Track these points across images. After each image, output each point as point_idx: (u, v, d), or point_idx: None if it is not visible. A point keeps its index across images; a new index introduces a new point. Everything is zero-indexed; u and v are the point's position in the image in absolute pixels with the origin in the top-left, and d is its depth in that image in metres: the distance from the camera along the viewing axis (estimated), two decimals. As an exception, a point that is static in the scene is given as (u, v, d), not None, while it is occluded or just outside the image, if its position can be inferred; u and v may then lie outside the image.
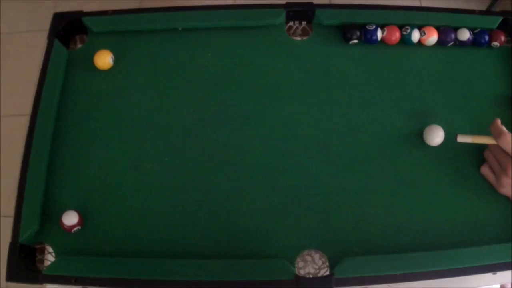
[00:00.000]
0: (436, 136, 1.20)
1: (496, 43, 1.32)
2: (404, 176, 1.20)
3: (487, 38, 1.32)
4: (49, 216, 1.15)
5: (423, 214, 1.16)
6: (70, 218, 1.11)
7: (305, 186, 1.19)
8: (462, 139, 1.18)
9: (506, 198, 1.17)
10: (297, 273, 1.08)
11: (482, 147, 1.21)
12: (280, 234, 1.14)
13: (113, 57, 1.30)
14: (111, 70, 1.31)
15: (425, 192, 1.18)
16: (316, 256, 1.13)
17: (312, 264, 1.12)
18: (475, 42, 1.32)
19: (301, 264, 1.12)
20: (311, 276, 1.10)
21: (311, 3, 1.34)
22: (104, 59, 1.29)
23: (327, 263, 1.11)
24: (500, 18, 1.33)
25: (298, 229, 1.14)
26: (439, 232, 1.14)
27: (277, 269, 1.07)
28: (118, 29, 1.35)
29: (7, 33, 2.28)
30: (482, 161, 1.21)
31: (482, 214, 1.16)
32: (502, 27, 1.34)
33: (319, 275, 1.10)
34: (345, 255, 1.09)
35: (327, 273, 1.09)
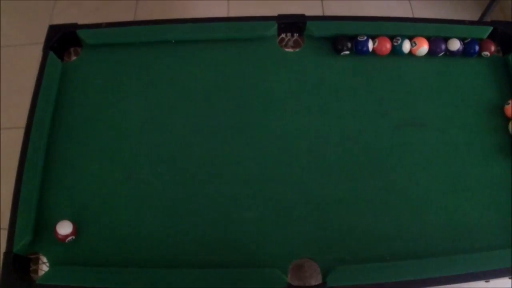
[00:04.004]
0: None
1: (486, 53, 1.34)
2: (394, 185, 1.21)
3: (477, 48, 1.33)
4: (44, 227, 1.15)
5: (414, 222, 1.16)
6: (64, 228, 1.12)
7: (297, 195, 1.19)
8: None
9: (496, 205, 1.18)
10: (290, 282, 1.08)
11: (474, 156, 1.23)
12: (272, 244, 1.14)
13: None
14: (104, 81, 1.33)
15: (416, 200, 1.19)
16: (309, 265, 1.13)
17: (304, 273, 1.12)
18: (466, 52, 1.34)
19: (293, 273, 1.12)
20: (303, 285, 1.11)
21: (302, 15, 1.36)
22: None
23: (320, 272, 1.11)
24: (490, 28, 1.35)
25: (290, 238, 1.15)
26: (431, 240, 1.14)
27: (269, 278, 1.08)
28: (112, 41, 1.37)
29: (4, 46, 2.29)
30: (475, 171, 1.22)
31: (474, 221, 1.17)
32: (493, 36, 1.36)
33: (312, 284, 1.10)
34: (337, 264, 1.09)
35: (320, 282, 1.09)
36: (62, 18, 2.29)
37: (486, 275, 1.09)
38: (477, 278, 1.09)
